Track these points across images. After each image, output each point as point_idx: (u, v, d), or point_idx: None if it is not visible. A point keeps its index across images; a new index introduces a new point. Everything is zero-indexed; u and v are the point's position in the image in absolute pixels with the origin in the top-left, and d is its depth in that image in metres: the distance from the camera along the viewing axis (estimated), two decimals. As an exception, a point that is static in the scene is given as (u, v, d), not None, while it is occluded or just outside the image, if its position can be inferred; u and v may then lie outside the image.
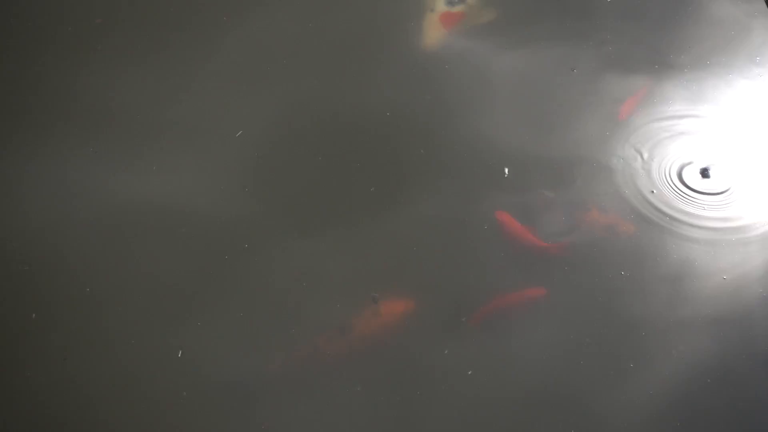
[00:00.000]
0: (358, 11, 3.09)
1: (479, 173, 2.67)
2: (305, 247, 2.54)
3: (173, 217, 2.59)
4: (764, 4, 3.06)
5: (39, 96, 2.88)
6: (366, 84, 2.88)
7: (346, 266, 2.52)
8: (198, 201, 2.63)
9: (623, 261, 2.49)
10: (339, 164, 2.71)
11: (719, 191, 2.62)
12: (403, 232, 2.57)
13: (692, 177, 2.65)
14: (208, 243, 2.55)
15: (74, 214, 2.61)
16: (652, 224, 2.55)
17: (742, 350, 2.35)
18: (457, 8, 2.99)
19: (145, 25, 3.04)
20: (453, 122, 2.79)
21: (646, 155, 2.69)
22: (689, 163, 2.67)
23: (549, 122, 2.79)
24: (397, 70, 2.92)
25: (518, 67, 2.91)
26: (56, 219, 2.60)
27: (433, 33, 2.92)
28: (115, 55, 2.97)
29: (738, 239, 2.53)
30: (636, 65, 2.93)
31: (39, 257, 2.53)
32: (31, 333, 2.42)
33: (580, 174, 2.66)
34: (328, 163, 2.71)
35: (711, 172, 2.64)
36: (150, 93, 2.88)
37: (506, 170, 2.65)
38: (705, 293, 2.44)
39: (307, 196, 2.65)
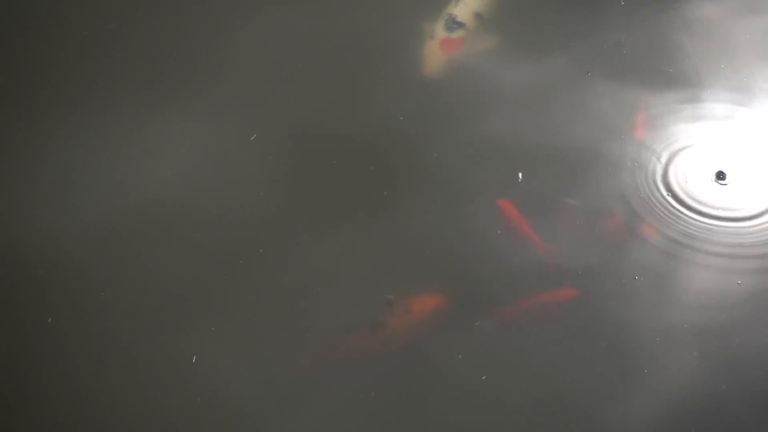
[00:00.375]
0: (370, 19, 3.08)
1: (492, 178, 2.66)
2: (320, 251, 2.55)
3: (188, 221, 2.60)
4: None
5: (54, 101, 2.90)
6: (379, 89, 2.88)
7: (361, 270, 2.52)
8: (212, 205, 2.64)
9: (637, 265, 2.48)
10: (353, 168, 2.71)
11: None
12: (416, 236, 2.57)
13: (708, 183, 2.64)
14: (222, 248, 2.56)
15: (89, 218, 2.62)
16: (668, 227, 2.54)
17: (758, 356, 2.34)
18: (457, 34, 2.93)
19: (159, 31, 3.05)
20: (466, 127, 2.78)
21: (662, 158, 2.67)
22: (707, 167, 2.66)
23: (562, 128, 2.77)
24: (409, 75, 2.91)
25: (529, 74, 2.89)
26: (71, 223, 2.61)
27: (435, 60, 2.88)
28: (128, 59, 2.98)
29: (753, 242, 2.52)
30: (650, 70, 2.91)
31: (53, 262, 2.55)
32: (46, 337, 2.43)
33: (596, 179, 2.65)
34: (342, 166, 2.71)
35: (727, 176, 2.62)
36: (164, 96, 2.89)
37: (520, 175, 2.64)
38: (720, 298, 2.43)
39: (321, 200, 2.66)
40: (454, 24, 2.93)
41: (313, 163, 2.72)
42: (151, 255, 2.55)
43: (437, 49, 2.89)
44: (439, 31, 2.93)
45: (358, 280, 2.50)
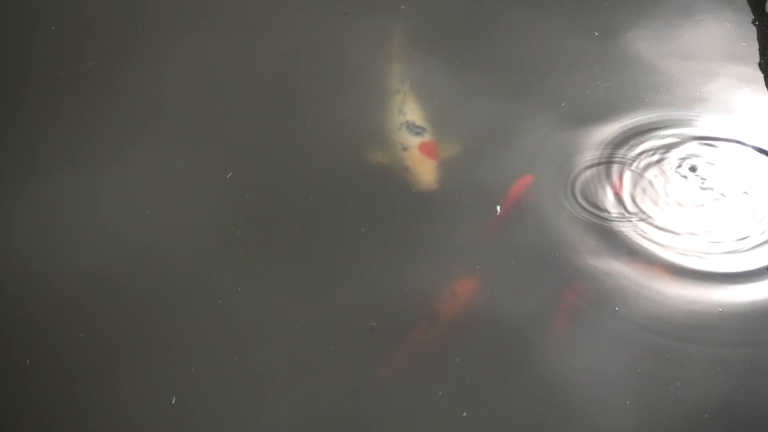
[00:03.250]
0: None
1: (474, 213, 2.68)
2: (299, 289, 2.55)
3: (166, 262, 2.60)
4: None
5: (40, 141, 2.89)
6: (359, 128, 2.89)
7: (340, 305, 2.52)
8: (191, 245, 2.63)
9: (618, 297, 2.49)
10: (331, 205, 2.71)
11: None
12: (394, 270, 2.58)
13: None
14: (201, 287, 2.55)
15: (68, 259, 2.61)
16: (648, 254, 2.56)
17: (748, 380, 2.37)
18: (425, 137, 2.84)
19: (134, 68, 3.05)
20: (447, 161, 2.80)
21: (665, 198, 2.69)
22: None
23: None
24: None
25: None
26: (51, 265, 2.60)
27: (425, 168, 2.78)
28: (105, 97, 2.97)
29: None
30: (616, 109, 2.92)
31: (33, 304, 2.53)
32: (24, 380, 2.41)
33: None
34: (321, 204, 2.71)
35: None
36: (146, 136, 2.88)
37: (497, 208, 2.65)
38: (705, 325, 2.45)
39: (301, 237, 2.66)
40: (417, 128, 2.85)
41: (292, 202, 2.72)
42: (130, 296, 2.54)
43: (420, 156, 2.80)
44: (408, 138, 2.84)
45: (339, 316, 2.50)
